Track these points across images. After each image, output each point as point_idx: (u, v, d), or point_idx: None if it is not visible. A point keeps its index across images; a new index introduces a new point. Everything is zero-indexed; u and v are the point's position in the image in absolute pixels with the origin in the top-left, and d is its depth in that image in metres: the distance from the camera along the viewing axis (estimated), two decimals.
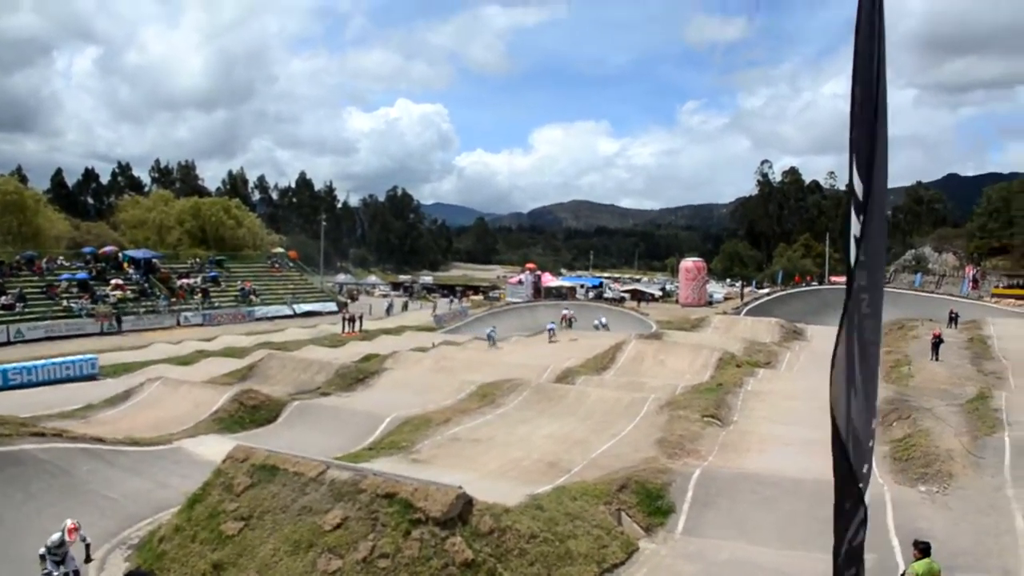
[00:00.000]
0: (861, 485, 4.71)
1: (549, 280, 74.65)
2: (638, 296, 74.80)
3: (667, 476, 13.21)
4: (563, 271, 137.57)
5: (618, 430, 18.10)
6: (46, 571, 9.00)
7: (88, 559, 9.60)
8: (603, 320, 45.79)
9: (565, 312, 48.51)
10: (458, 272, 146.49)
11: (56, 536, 9.04)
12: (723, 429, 17.87)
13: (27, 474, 12.18)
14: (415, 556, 8.82)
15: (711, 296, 72.51)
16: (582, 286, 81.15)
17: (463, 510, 9.53)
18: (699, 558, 10.70)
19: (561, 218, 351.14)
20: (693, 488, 12.75)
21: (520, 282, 71.57)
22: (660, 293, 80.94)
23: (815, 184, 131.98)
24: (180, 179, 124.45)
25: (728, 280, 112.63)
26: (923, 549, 8.53)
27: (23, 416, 17.06)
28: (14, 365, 26.76)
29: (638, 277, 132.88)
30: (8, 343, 37.33)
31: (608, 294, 75.50)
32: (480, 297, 76.16)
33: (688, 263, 70.14)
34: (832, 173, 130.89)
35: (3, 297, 41.09)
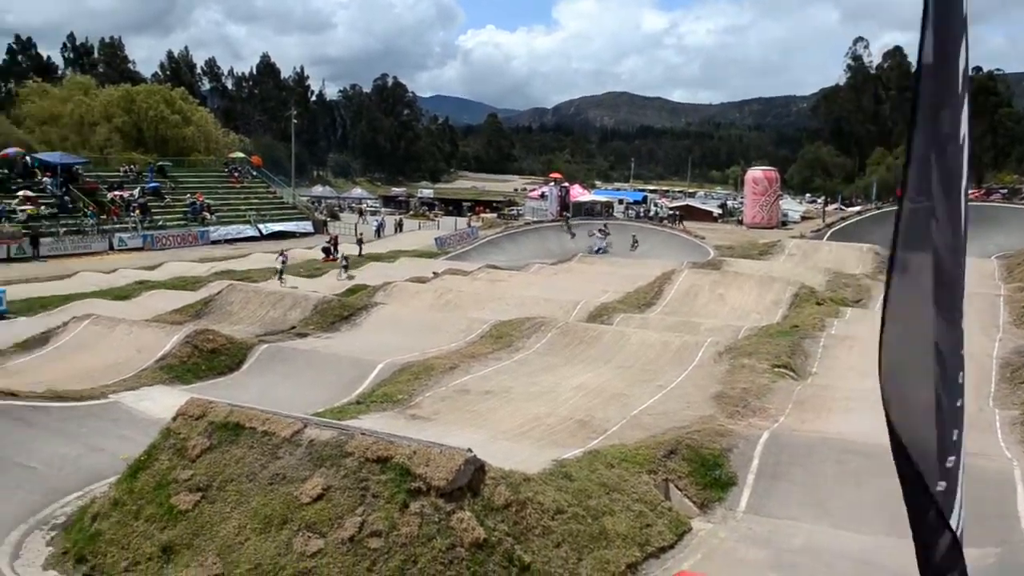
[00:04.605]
0: (943, 471, 4.18)
1: (580, 194, 74.11)
2: (691, 214, 74.26)
3: (727, 440, 13.23)
4: (597, 183, 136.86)
5: (666, 381, 18.13)
6: None
7: None
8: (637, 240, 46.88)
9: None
10: (465, 183, 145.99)
11: None
12: (798, 383, 17.83)
13: None
14: (414, 534, 8.89)
15: (785, 215, 71.95)
16: (620, 201, 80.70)
17: (473, 478, 9.55)
18: (767, 543, 10.75)
19: (595, 116, 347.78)
20: (760, 455, 12.76)
21: (543, 196, 71.09)
22: (719, 211, 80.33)
23: None
24: (104, 61, 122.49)
25: (807, 195, 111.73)
26: None
27: None
28: None
29: (692, 191, 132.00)
30: None
31: (653, 212, 75.03)
32: (492, 215, 75.95)
33: (756, 173, 69.38)
34: None
35: None
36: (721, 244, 49.90)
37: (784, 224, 67.99)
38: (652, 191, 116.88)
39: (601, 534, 10.15)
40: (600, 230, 51.99)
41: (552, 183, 70.98)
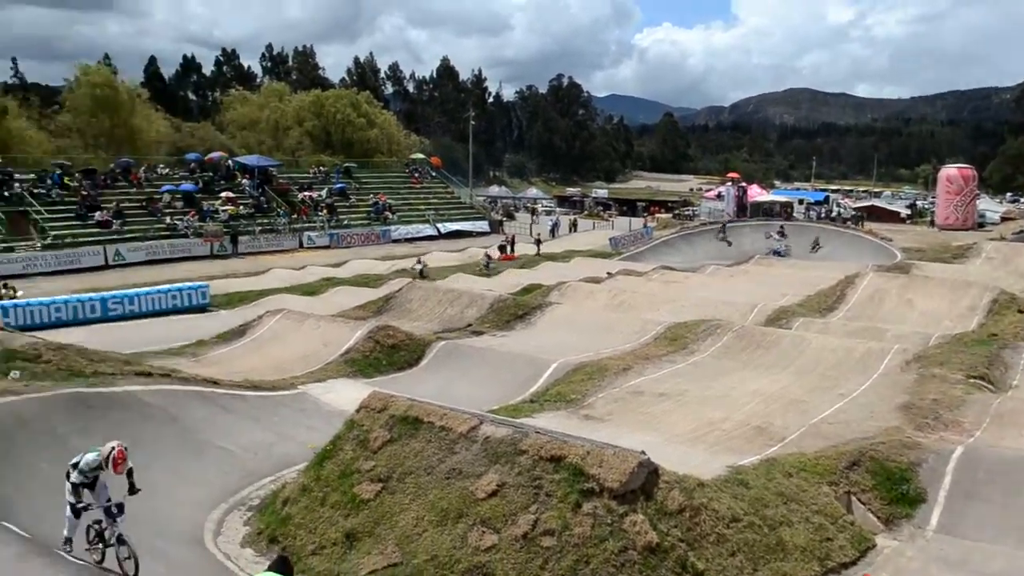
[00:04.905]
0: None
1: (757, 194, 72.04)
2: (877, 215, 70.76)
3: (916, 454, 12.52)
4: (776, 182, 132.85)
5: (848, 389, 17.43)
6: (80, 503, 8.80)
7: (133, 489, 9.06)
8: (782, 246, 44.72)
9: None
10: (640, 183, 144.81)
11: (92, 456, 8.82)
12: (997, 396, 16.67)
13: (133, 420, 13.20)
14: (586, 535, 8.89)
15: (982, 216, 67.46)
16: (801, 201, 77.84)
17: (646, 481, 9.46)
18: (962, 566, 10.09)
19: (774, 113, 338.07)
20: (953, 472, 11.99)
21: (719, 196, 69.64)
22: (908, 211, 76.20)
23: None
24: (296, 68, 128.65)
25: (1008, 194, 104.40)
26: None
27: (126, 353, 18.61)
28: (115, 293, 28.82)
29: (878, 190, 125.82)
30: (106, 266, 40.34)
31: (836, 212, 71.95)
32: (667, 215, 75.00)
33: (950, 171, 65.39)
34: None
35: (98, 212, 44.20)
36: (909, 247, 47.28)
37: (981, 226, 63.74)
38: (834, 191, 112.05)
39: (778, 545, 9.82)
40: (778, 231, 50.34)
41: (729, 183, 69.34)
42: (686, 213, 74.98)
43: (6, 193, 42.73)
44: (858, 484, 11.79)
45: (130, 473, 9.04)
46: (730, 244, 50.62)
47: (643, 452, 9.70)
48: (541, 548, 8.89)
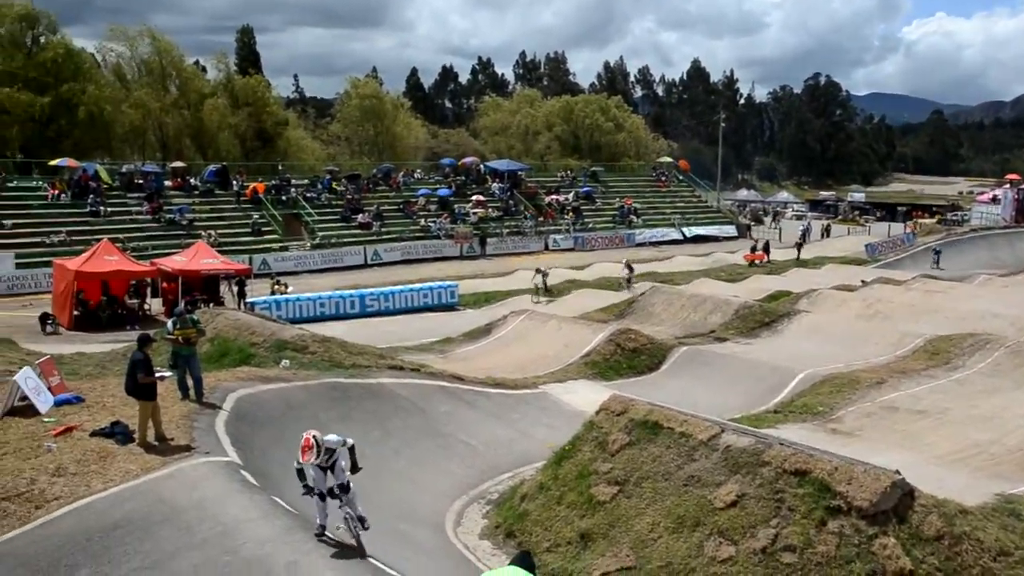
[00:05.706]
0: None
1: None
2: None
3: None
4: None
5: None
6: (325, 486, 9.08)
7: (355, 467, 9.37)
8: None
9: None
10: (902, 187, 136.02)
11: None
12: None
13: (384, 410, 14.14)
14: (831, 555, 8.46)
15: None
16: None
17: (900, 503, 8.88)
18: None
19: None
20: None
21: (995, 200, 64.05)
22: None
23: None
24: (548, 75, 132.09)
25: None
26: None
27: (381, 346, 19.92)
28: (372, 291, 31.21)
29: None
30: (365, 265, 43.55)
31: None
32: (932, 220, 69.87)
33: None
34: None
35: (360, 215, 47.82)
36: None
37: None
38: None
39: None
40: None
41: (1007, 185, 63.60)
42: (954, 218, 69.53)
43: (283, 197, 47.00)
44: None
45: (352, 450, 9.31)
46: (943, 269, 44.17)
47: (897, 471, 9.11)
48: (781, 564, 8.56)
